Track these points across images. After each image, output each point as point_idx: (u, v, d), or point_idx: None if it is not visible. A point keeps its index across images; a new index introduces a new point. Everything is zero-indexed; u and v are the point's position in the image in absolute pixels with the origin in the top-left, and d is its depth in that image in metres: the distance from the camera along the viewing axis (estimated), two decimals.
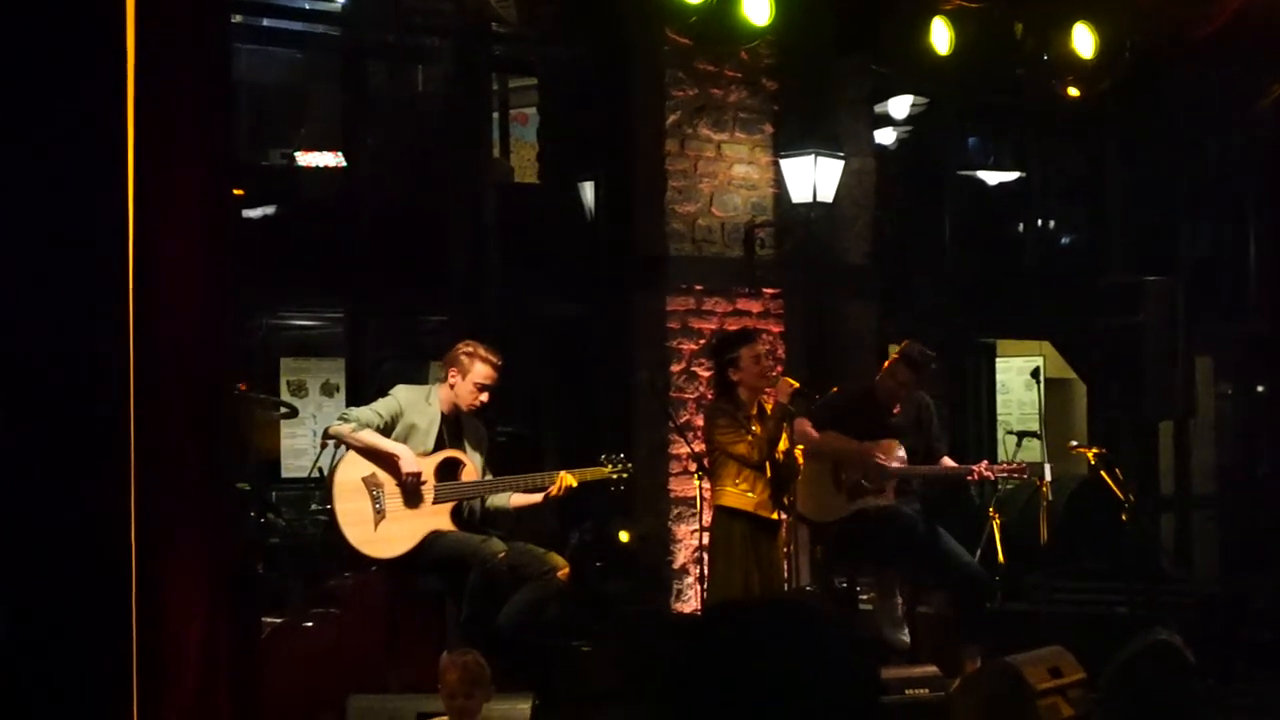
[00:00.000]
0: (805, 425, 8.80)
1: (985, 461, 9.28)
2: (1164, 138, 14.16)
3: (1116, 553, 10.59)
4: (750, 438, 8.37)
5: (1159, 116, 13.83)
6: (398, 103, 11.69)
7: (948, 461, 9.16)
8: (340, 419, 7.85)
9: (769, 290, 10.99)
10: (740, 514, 8.43)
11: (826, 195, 10.76)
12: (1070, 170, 14.94)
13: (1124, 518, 9.16)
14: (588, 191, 11.37)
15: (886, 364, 9.25)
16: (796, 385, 8.53)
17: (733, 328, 10.35)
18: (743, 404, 8.49)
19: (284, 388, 11.14)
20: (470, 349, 7.93)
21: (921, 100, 13.49)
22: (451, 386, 7.92)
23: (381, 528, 7.68)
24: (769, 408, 8.44)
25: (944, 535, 8.94)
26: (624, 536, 9.97)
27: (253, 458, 9.01)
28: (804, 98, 11.21)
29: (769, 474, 8.45)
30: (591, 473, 8.14)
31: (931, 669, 7.82)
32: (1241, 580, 10.35)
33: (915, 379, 9.00)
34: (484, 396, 7.92)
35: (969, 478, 9.11)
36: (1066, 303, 13.42)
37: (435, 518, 7.75)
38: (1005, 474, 9.20)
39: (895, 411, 9.06)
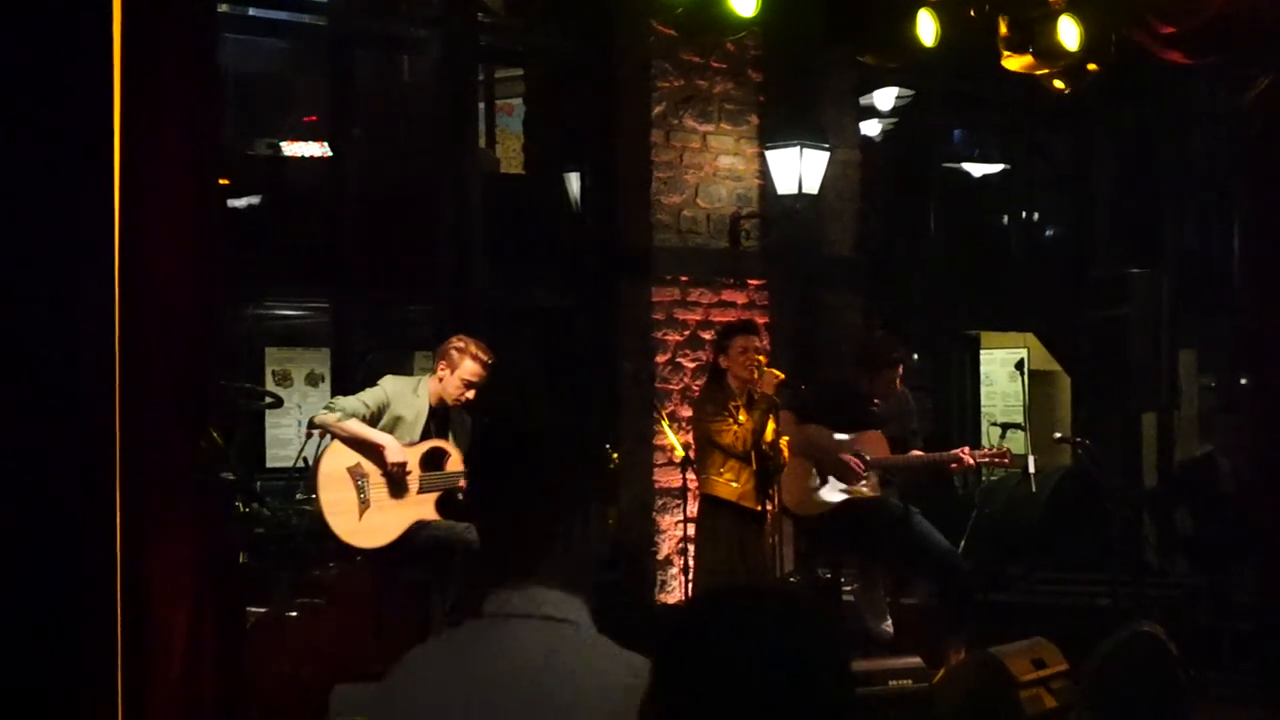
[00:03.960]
0: (788, 418, 8.81)
1: (966, 447, 9.29)
2: (1150, 131, 14.20)
3: (1099, 544, 10.62)
4: (736, 427, 8.42)
5: (1145, 109, 13.86)
6: (384, 93, 11.68)
7: (917, 454, 9.18)
8: (326, 408, 7.85)
9: (754, 281, 11.00)
10: (725, 504, 8.48)
11: (812, 187, 10.76)
12: (1056, 163, 14.97)
13: (1107, 509, 9.18)
14: (573, 182, 11.38)
15: (869, 367, 9.20)
16: (781, 377, 8.55)
17: (718, 319, 10.38)
18: (732, 393, 8.54)
19: (269, 377, 11.14)
20: (462, 344, 7.92)
21: (907, 92, 13.51)
22: (440, 380, 7.91)
23: (366, 517, 7.68)
24: (757, 398, 8.48)
25: (928, 526, 8.95)
26: None
27: (237, 447, 9.00)
28: (789, 89, 11.21)
29: (754, 465, 8.48)
30: None
31: (915, 660, 7.83)
32: (1224, 572, 10.38)
33: (898, 371, 9.02)
34: (470, 393, 7.91)
35: (952, 465, 9.12)
36: (1051, 295, 13.45)
37: (420, 508, 7.75)
38: (987, 460, 9.22)
39: (877, 402, 9.07)
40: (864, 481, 8.89)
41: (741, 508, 8.50)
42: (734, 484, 8.46)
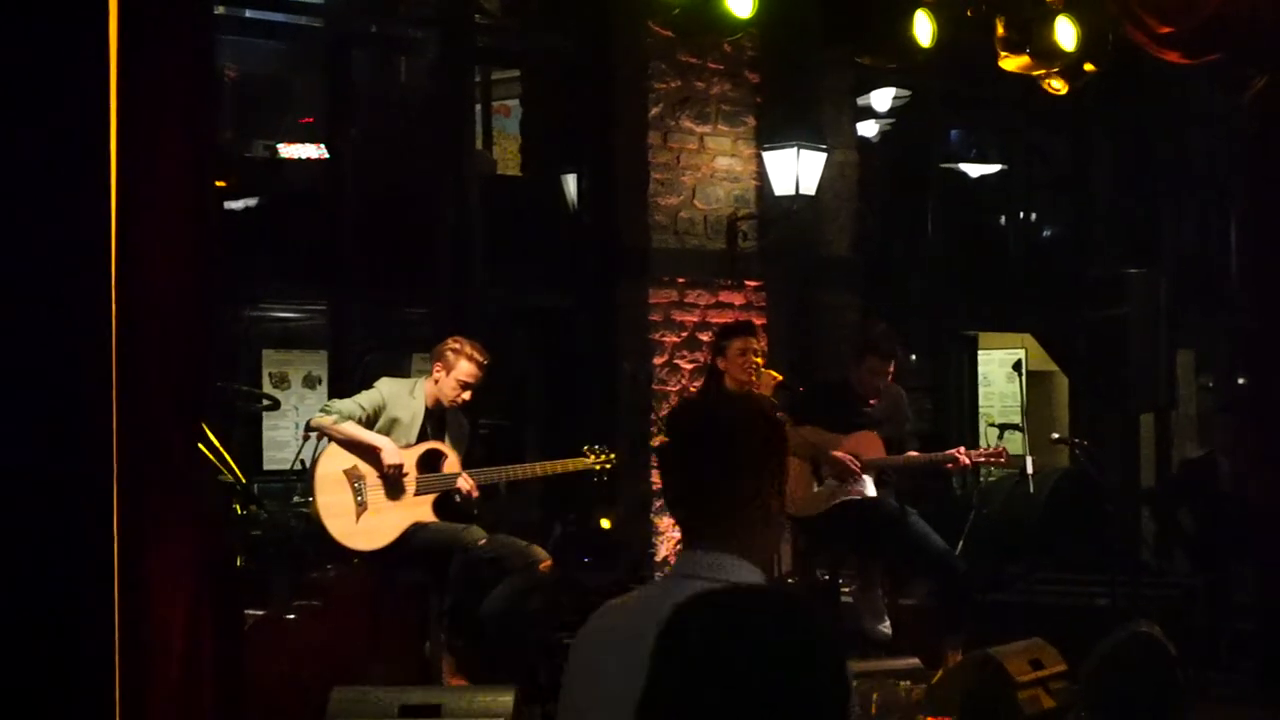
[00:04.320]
0: (784, 419, 8.80)
1: (962, 447, 9.28)
2: (1148, 130, 14.19)
3: (1098, 544, 10.62)
4: None
5: (1143, 109, 13.86)
6: (381, 94, 11.67)
7: (913, 454, 9.17)
8: (322, 411, 7.84)
9: (751, 282, 11.00)
10: None
11: (809, 187, 10.76)
12: (1053, 163, 14.97)
13: (1105, 509, 9.17)
14: (570, 184, 11.36)
15: (856, 354, 9.20)
16: (779, 378, 8.56)
17: (716, 320, 10.38)
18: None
19: (266, 380, 11.13)
20: (457, 345, 7.91)
21: (904, 93, 13.51)
22: (436, 381, 7.91)
23: (363, 520, 7.68)
24: None
25: (925, 527, 8.94)
26: (605, 523, 9.97)
27: (234, 450, 8.99)
28: (787, 90, 11.21)
29: None
30: (574, 463, 8.14)
31: (913, 661, 7.82)
32: (1224, 572, 10.38)
33: (886, 365, 8.99)
34: (466, 395, 7.90)
35: (948, 465, 9.11)
36: (1049, 295, 13.45)
37: (417, 509, 7.75)
38: (983, 460, 9.22)
39: (872, 403, 9.05)
40: (861, 480, 8.88)
41: None
42: None
